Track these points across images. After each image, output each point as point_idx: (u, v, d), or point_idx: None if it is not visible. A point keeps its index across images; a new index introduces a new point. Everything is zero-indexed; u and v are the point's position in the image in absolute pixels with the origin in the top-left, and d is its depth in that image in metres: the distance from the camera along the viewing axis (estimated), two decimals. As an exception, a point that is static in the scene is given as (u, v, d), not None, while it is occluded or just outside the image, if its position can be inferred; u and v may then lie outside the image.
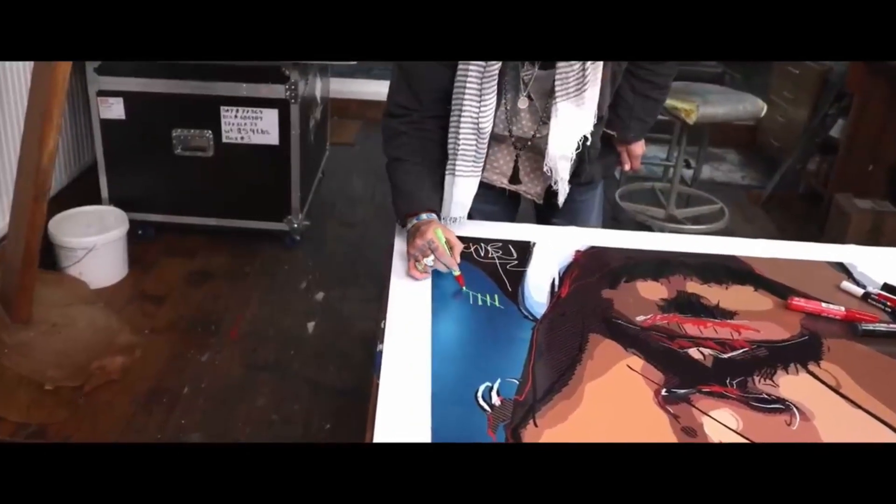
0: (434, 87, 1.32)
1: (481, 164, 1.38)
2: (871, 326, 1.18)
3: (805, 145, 3.62)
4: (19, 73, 2.45)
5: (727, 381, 1.02)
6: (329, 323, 2.45)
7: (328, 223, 3.17)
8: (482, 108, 1.30)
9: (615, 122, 1.48)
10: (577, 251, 1.37)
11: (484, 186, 1.45)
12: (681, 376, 1.03)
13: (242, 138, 2.72)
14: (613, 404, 0.96)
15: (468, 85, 1.28)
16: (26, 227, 2.07)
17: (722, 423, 0.94)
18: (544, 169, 1.41)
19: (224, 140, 2.72)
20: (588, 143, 1.39)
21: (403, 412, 0.92)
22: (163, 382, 2.11)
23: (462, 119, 1.31)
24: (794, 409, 0.98)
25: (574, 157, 1.40)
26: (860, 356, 1.12)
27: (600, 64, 1.31)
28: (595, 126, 1.38)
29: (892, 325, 1.19)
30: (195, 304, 2.51)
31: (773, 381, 1.03)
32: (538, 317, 1.15)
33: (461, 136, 1.33)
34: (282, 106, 2.67)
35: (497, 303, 1.19)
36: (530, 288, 1.24)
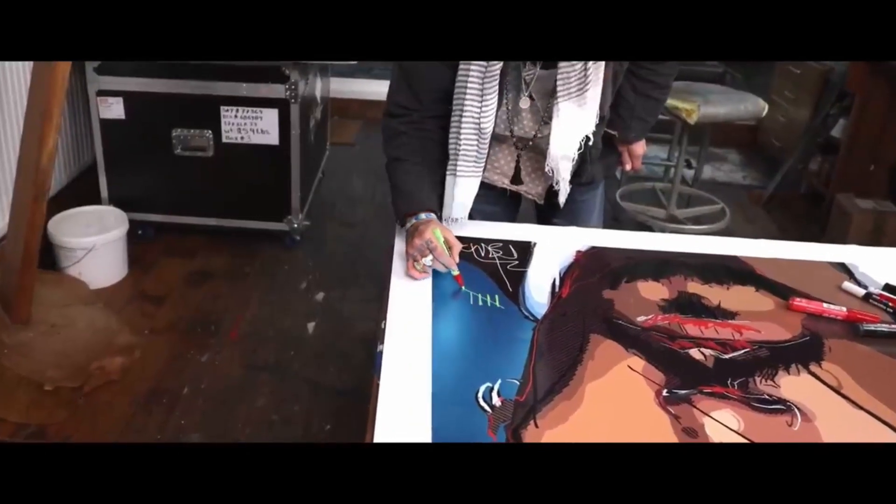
0: (434, 87, 1.32)
1: (482, 165, 1.37)
2: (872, 327, 1.17)
3: (806, 145, 3.62)
4: (19, 72, 2.45)
5: (728, 382, 1.02)
6: (329, 323, 2.45)
7: (328, 223, 3.16)
8: (483, 109, 1.30)
9: (616, 122, 1.48)
10: (578, 251, 1.37)
11: (485, 187, 1.44)
12: (682, 377, 1.02)
13: (242, 138, 2.71)
14: (614, 405, 0.96)
15: (469, 85, 1.28)
16: (26, 227, 2.07)
17: (723, 424, 0.94)
18: (546, 169, 1.41)
19: (224, 140, 2.72)
20: (590, 143, 1.39)
21: (404, 413, 0.91)
22: (162, 383, 2.11)
23: (463, 119, 1.31)
24: (796, 410, 0.97)
25: (576, 157, 1.40)
26: (861, 357, 1.12)
27: (602, 64, 1.31)
28: (597, 126, 1.38)
29: (893, 326, 1.18)
30: (195, 304, 2.51)
31: (774, 382, 1.03)
32: (539, 317, 1.15)
33: (462, 137, 1.33)
34: (282, 106, 2.66)
35: (497, 303, 1.18)
36: (531, 288, 1.23)
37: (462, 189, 1.37)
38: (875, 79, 3.15)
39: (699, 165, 3.61)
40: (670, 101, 2.97)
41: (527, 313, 1.16)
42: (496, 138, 1.42)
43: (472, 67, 1.27)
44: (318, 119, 3.21)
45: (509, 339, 1.09)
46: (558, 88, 1.31)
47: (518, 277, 1.27)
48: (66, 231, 2.48)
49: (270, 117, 2.68)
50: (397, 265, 1.27)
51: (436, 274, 1.24)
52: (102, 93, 2.64)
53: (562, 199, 1.46)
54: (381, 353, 1.03)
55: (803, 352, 1.11)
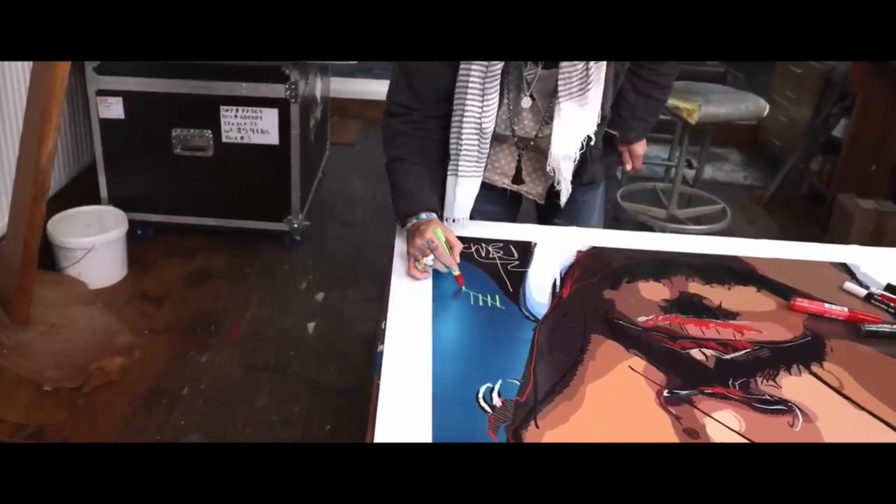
0: (435, 87, 1.32)
1: (483, 165, 1.37)
2: (874, 327, 1.17)
3: (807, 145, 3.61)
4: (19, 72, 2.45)
5: (729, 382, 1.02)
6: (329, 323, 2.45)
7: (328, 223, 3.16)
8: (485, 108, 1.30)
9: (617, 122, 1.48)
10: (579, 251, 1.37)
11: (485, 187, 1.44)
12: (683, 377, 1.02)
13: (242, 138, 2.71)
14: (615, 405, 0.96)
15: (470, 85, 1.28)
16: (25, 227, 2.07)
17: (724, 425, 0.93)
18: (547, 169, 1.41)
19: (224, 140, 2.72)
20: (591, 143, 1.38)
21: (404, 413, 0.91)
22: (162, 383, 2.10)
23: (464, 119, 1.31)
24: (797, 411, 0.97)
25: (577, 157, 1.39)
26: (863, 357, 1.11)
27: (604, 64, 1.31)
28: (598, 126, 1.37)
29: (895, 326, 1.18)
30: (195, 304, 2.50)
31: (775, 383, 1.03)
32: (539, 317, 1.15)
33: (463, 137, 1.32)
34: (282, 105, 2.66)
35: (498, 303, 1.18)
36: (531, 288, 1.23)
37: (463, 189, 1.37)
38: (877, 79, 3.14)
39: (700, 165, 3.61)
40: (671, 101, 2.97)
41: (527, 313, 1.16)
42: (497, 138, 1.41)
43: (474, 67, 1.27)
44: (318, 119, 3.20)
45: (510, 340, 1.08)
46: (560, 88, 1.30)
47: (519, 277, 1.26)
48: (66, 231, 2.48)
49: (270, 117, 2.68)
50: (397, 265, 1.27)
51: (436, 274, 1.24)
52: (102, 92, 2.64)
53: (563, 199, 1.46)
54: (381, 353, 1.03)
55: (805, 352, 1.11)
